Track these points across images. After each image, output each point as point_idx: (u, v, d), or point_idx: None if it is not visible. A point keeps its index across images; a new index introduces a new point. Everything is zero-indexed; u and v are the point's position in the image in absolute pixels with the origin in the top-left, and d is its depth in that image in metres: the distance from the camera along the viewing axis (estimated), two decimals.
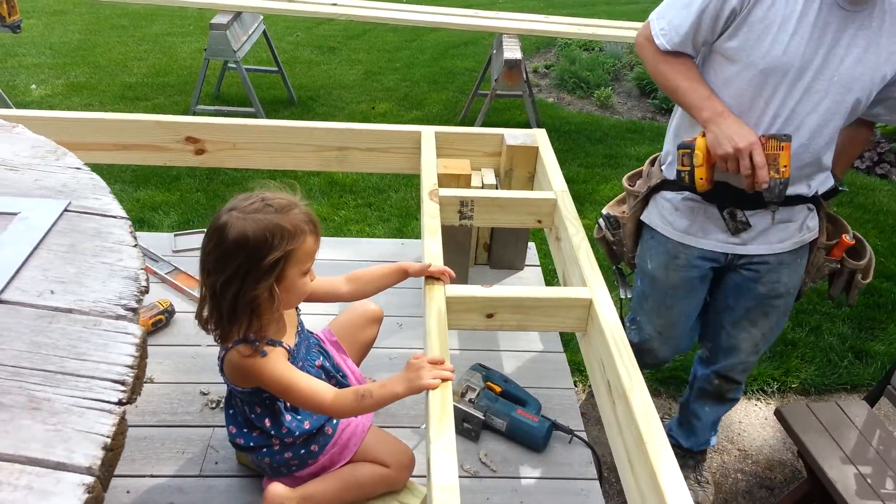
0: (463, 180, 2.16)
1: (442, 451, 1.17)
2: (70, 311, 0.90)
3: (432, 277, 1.59)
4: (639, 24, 4.74)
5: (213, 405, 1.87)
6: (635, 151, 4.93)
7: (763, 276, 1.95)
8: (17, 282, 0.94)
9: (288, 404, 1.49)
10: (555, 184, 2.05)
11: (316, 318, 2.02)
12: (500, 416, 1.86)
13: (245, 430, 1.51)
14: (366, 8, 4.82)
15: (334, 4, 4.75)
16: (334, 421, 1.56)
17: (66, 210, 1.08)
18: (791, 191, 1.77)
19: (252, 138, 2.31)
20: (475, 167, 2.34)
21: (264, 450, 1.52)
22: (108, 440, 0.73)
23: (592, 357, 1.59)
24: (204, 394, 1.90)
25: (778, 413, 2.28)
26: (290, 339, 1.49)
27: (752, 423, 2.89)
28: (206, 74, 4.71)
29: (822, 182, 1.87)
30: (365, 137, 2.32)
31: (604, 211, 2.19)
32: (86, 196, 1.13)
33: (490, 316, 1.62)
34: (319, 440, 1.54)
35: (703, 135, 1.75)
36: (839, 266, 2.00)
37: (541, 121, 5.12)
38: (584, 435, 1.89)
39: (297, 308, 1.57)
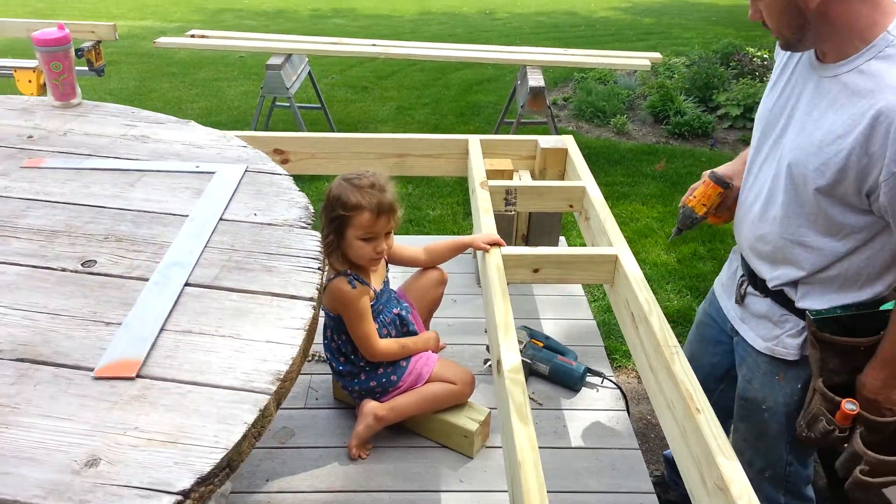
0: (506, 175, 2.60)
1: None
2: (271, 224, 1.36)
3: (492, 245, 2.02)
4: (653, 55, 5.21)
5: (310, 358, 2.29)
6: (651, 171, 5.36)
7: (743, 368, 1.75)
8: (229, 211, 1.40)
9: None
10: (583, 176, 2.48)
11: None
12: (543, 362, 2.26)
13: (336, 356, 1.95)
14: (400, 47, 5.35)
15: (373, 45, 5.29)
16: (392, 372, 1.97)
17: (246, 170, 1.55)
18: (768, 276, 1.61)
19: (327, 149, 2.77)
20: (514, 168, 2.79)
21: (353, 379, 1.94)
22: (318, 286, 1.17)
23: (619, 301, 1.99)
24: None
25: None
26: (377, 285, 1.93)
27: None
28: (260, 110, 5.24)
29: (811, 294, 1.55)
30: (421, 145, 2.78)
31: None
32: (256, 163, 1.60)
33: (536, 271, 2.04)
34: (398, 371, 1.95)
35: None
36: (839, 433, 1.51)
37: None
38: (612, 378, 2.29)
39: (386, 265, 2.01)
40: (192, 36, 5.26)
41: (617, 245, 2.03)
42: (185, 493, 0.81)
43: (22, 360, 1.00)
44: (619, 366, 3.21)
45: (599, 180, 5.17)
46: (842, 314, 1.50)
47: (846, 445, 1.52)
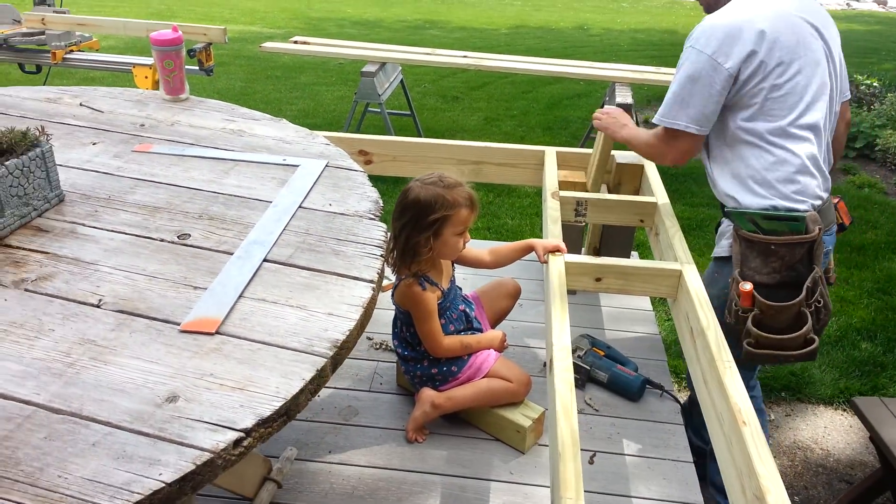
0: (579, 186, 2.66)
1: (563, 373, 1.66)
2: (343, 214, 1.49)
3: (552, 252, 2.09)
4: None
5: (377, 347, 2.42)
6: None
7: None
8: (308, 200, 1.55)
9: None
10: (657, 193, 2.51)
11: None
12: (603, 370, 2.29)
13: (402, 344, 2.06)
14: (490, 59, 5.47)
15: (465, 56, 5.43)
16: (453, 363, 2.06)
17: (326, 165, 1.69)
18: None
19: (407, 152, 2.91)
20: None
21: (417, 364, 2.05)
22: (378, 269, 1.29)
23: (680, 315, 2.02)
24: (369, 339, 2.46)
25: (853, 404, 2.57)
26: (444, 283, 2.03)
27: (836, 429, 3.14)
28: (353, 115, 5.48)
29: (731, 190, 1.96)
30: (497, 154, 2.87)
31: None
32: (336, 159, 1.75)
33: (598, 280, 2.10)
34: (458, 363, 2.04)
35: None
36: (743, 313, 1.85)
37: None
38: (674, 392, 2.30)
39: (452, 264, 2.11)
40: (296, 42, 5.56)
41: (682, 261, 2.05)
42: (247, 432, 0.93)
43: (121, 312, 1.15)
44: (685, 386, 3.19)
45: (685, 201, 5.15)
46: (754, 213, 1.87)
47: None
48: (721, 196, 2.01)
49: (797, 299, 1.82)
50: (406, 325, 2.05)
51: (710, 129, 1.96)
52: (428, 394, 2.01)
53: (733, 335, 1.89)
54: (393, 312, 2.10)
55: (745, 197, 1.93)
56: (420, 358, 2.04)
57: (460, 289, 2.20)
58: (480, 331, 2.16)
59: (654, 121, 2.01)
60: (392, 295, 2.02)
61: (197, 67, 4.66)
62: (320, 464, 1.91)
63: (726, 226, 2.01)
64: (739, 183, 1.94)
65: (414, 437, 2.00)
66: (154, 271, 1.27)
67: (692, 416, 2.35)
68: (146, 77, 4.49)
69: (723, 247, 2.02)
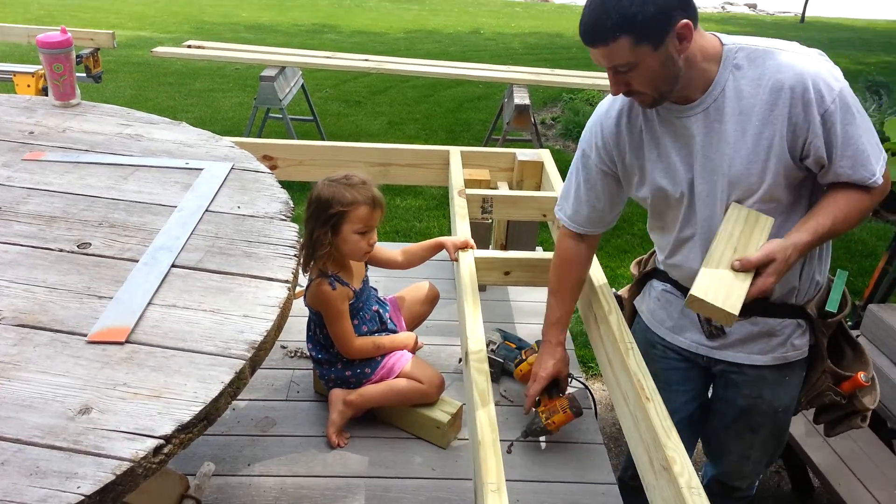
0: (484, 184, 2.72)
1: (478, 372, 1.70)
2: (253, 216, 1.47)
3: (462, 249, 2.13)
4: None
5: (292, 354, 2.39)
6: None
7: (742, 388, 1.78)
8: (216, 203, 1.51)
9: None
10: (557, 188, 2.60)
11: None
12: (513, 361, 2.36)
13: (316, 347, 2.05)
14: (392, 62, 5.50)
15: (366, 60, 5.43)
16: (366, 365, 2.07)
17: (232, 168, 1.66)
18: (775, 297, 1.66)
19: (314, 156, 2.89)
20: (493, 180, 2.91)
21: (331, 367, 2.04)
22: (293, 269, 1.29)
23: (585, 304, 2.11)
24: (283, 347, 2.43)
25: None
26: (356, 284, 2.04)
27: None
28: (253, 121, 5.37)
29: (810, 292, 1.68)
30: (404, 155, 2.90)
31: (616, 292, 2.08)
32: (242, 161, 1.72)
33: (507, 273, 2.16)
34: (371, 364, 2.05)
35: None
36: (843, 401, 1.76)
37: None
38: (581, 378, 2.39)
39: (366, 265, 2.11)
40: (190, 46, 5.39)
41: None
42: (167, 438, 0.91)
43: (22, 326, 1.10)
44: (595, 373, 3.33)
45: None
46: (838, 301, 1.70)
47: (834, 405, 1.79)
48: (807, 287, 1.67)
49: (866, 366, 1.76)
50: (319, 326, 2.04)
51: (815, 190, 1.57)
52: (338, 393, 2.02)
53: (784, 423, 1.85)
54: (306, 319, 2.09)
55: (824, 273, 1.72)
56: (334, 360, 2.04)
57: (375, 290, 2.21)
58: (395, 332, 2.17)
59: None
60: (304, 297, 2.01)
61: (84, 74, 4.44)
62: (240, 477, 1.87)
63: (794, 327, 1.70)
64: (824, 264, 1.71)
65: (336, 441, 1.99)
66: (54, 282, 1.21)
67: None
68: (28, 86, 4.24)
69: (799, 347, 1.72)
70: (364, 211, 1.91)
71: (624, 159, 1.66)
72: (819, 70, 1.42)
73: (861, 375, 1.71)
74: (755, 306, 1.56)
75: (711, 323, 1.72)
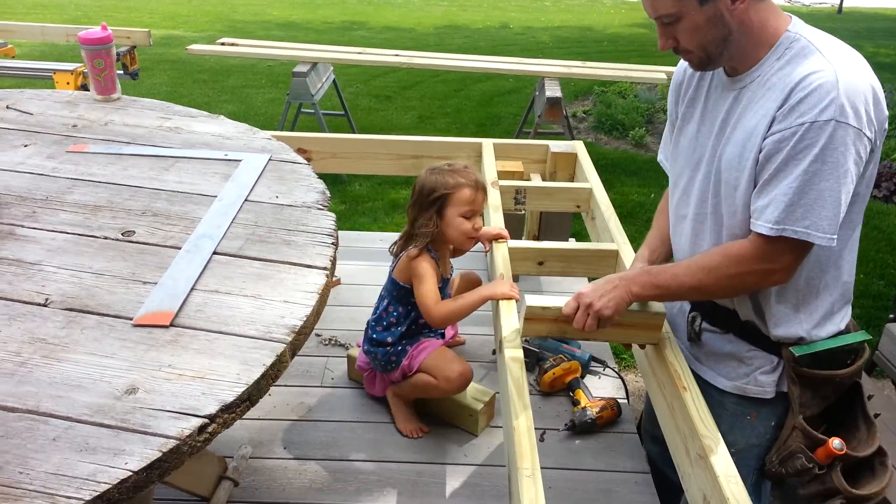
0: (517, 176, 2.72)
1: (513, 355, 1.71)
2: (291, 206, 1.49)
3: (496, 239, 2.13)
4: (670, 68, 5.30)
5: (326, 342, 2.42)
6: (667, 182, 5.45)
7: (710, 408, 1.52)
8: (254, 193, 1.54)
9: (411, 314, 2.05)
10: (591, 179, 2.59)
11: None
12: (550, 350, 2.36)
13: (382, 325, 2.06)
14: (422, 57, 5.51)
15: (396, 55, 5.45)
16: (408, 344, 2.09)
17: (270, 159, 1.69)
18: (744, 315, 1.53)
19: (347, 149, 2.91)
20: (525, 172, 2.90)
21: (382, 348, 2.05)
22: (330, 257, 1.30)
23: None
24: (318, 335, 2.46)
25: None
26: (444, 273, 2.08)
27: None
28: (286, 116, 5.43)
29: (780, 321, 1.48)
30: (436, 148, 2.91)
31: None
32: (279, 153, 1.75)
33: (541, 263, 2.15)
34: (402, 353, 2.06)
35: None
36: (818, 470, 1.45)
37: None
38: (615, 368, 2.38)
39: (451, 267, 2.14)
40: (223, 44, 5.46)
41: (619, 242, 2.13)
42: (211, 418, 0.93)
43: (70, 310, 1.13)
44: (628, 365, 3.30)
45: (615, 190, 5.31)
46: (821, 350, 1.46)
47: (813, 479, 1.48)
48: (780, 330, 1.48)
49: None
50: (395, 302, 2.05)
51: None
52: (388, 392, 2.11)
53: (776, 481, 1.61)
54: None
55: (822, 326, 1.48)
56: (396, 342, 2.05)
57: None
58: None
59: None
60: (390, 271, 2.05)
61: (121, 71, 4.53)
62: (276, 460, 1.91)
63: (763, 361, 1.53)
64: (819, 306, 1.47)
65: (409, 430, 2.05)
66: (100, 269, 1.25)
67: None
68: (68, 83, 4.34)
69: (762, 385, 1.53)
70: (468, 193, 1.95)
71: (679, 108, 1.62)
72: (835, 91, 1.25)
73: (833, 442, 1.42)
74: (731, 323, 1.54)
75: (694, 324, 1.63)
